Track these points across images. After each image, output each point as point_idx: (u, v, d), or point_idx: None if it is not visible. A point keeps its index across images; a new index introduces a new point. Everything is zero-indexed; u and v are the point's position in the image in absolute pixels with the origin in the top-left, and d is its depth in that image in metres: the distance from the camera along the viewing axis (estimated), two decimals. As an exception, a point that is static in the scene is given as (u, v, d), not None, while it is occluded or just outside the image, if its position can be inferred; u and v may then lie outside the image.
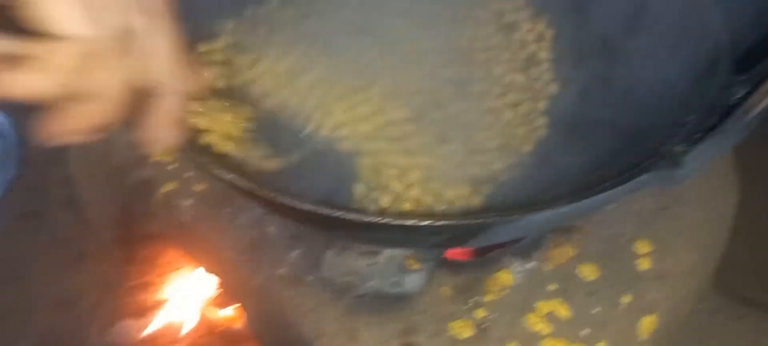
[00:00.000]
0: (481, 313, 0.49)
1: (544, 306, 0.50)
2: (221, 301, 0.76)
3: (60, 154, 0.68)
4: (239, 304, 0.58)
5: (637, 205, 0.57)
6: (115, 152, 0.62)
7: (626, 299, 0.52)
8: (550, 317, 0.49)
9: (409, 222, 0.37)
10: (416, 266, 0.49)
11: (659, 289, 0.53)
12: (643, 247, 0.55)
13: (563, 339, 0.48)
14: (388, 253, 0.49)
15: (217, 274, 0.59)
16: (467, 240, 0.43)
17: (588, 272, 0.52)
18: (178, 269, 0.74)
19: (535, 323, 0.49)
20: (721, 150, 0.38)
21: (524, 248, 0.52)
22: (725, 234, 0.57)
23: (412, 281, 0.48)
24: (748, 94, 0.38)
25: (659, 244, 0.55)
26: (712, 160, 0.38)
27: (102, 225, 0.70)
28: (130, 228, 0.65)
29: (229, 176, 0.40)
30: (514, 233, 0.46)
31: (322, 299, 0.49)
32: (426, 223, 0.37)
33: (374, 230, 0.41)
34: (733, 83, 0.40)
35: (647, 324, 0.52)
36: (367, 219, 0.38)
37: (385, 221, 0.37)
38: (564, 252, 0.53)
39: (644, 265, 0.54)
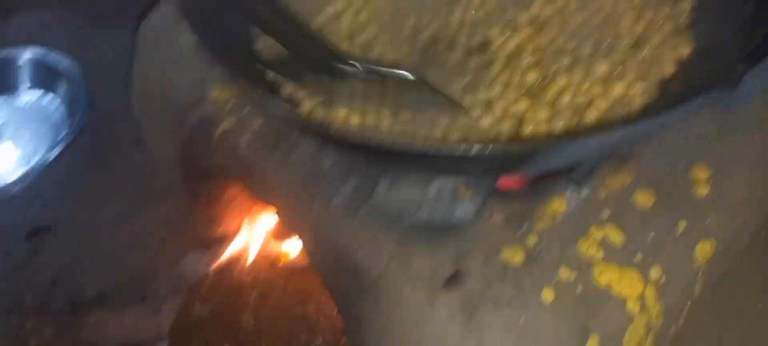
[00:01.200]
0: (532, 240, 0.49)
1: (597, 232, 0.50)
2: (283, 233, 0.79)
3: (126, 97, 0.71)
4: (297, 236, 0.60)
5: (697, 129, 0.55)
6: (175, 92, 0.64)
7: (682, 225, 0.51)
8: (603, 243, 0.49)
9: (459, 151, 0.38)
10: (468, 195, 0.50)
11: (717, 215, 0.52)
12: (701, 172, 0.53)
13: (616, 264, 0.48)
14: (440, 182, 0.50)
15: (275, 208, 0.61)
16: (518, 167, 0.43)
17: (643, 199, 0.51)
18: (241, 203, 0.77)
19: (588, 249, 0.49)
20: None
21: (578, 175, 0.51)
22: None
23: (464, 210, 0.49)
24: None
25: (719, 170, 0.54)
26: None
27: (167, 164, 0.73)
28: (193, 166, 0.68)
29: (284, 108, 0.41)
30: (567, 159, 0.45)
31: (376, 228, 0.51)
32: (475, 150, 0.37)
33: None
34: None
35: (703, 250, 0.51)
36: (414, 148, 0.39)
37: (432, 150, 0.38)
38: (619, 179, 0.52)
39: (702, 191, 0.53)
